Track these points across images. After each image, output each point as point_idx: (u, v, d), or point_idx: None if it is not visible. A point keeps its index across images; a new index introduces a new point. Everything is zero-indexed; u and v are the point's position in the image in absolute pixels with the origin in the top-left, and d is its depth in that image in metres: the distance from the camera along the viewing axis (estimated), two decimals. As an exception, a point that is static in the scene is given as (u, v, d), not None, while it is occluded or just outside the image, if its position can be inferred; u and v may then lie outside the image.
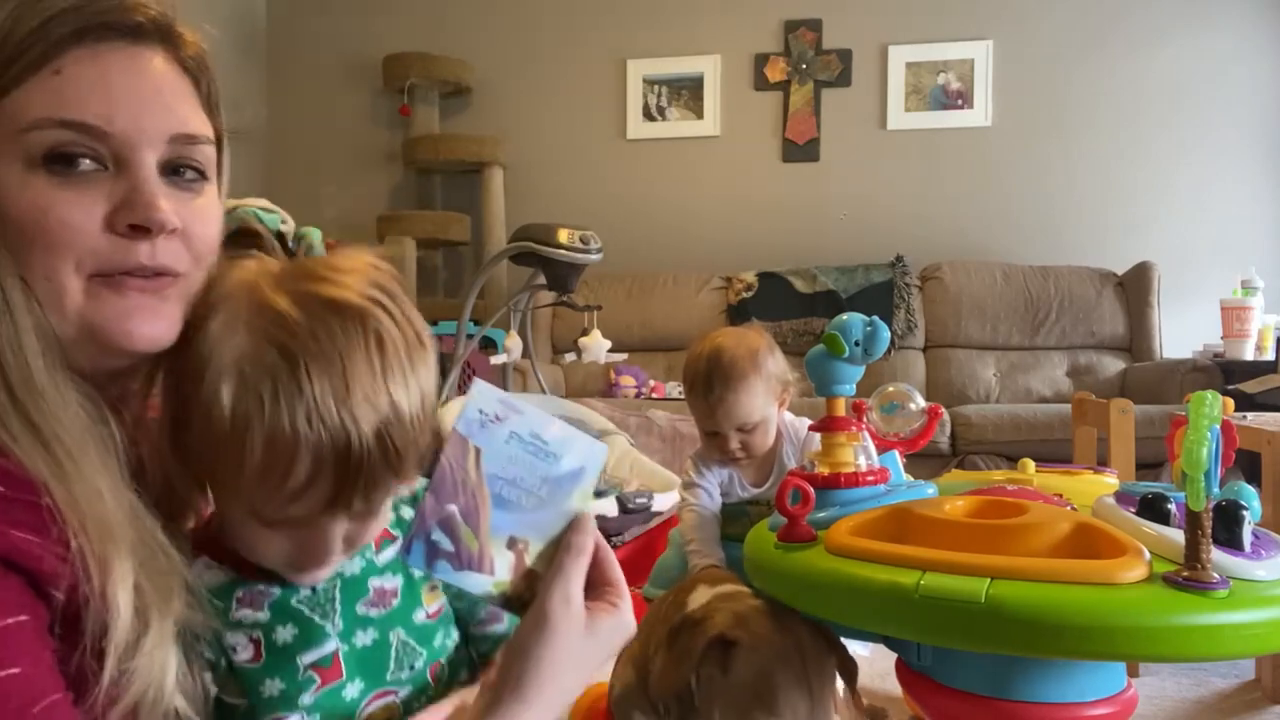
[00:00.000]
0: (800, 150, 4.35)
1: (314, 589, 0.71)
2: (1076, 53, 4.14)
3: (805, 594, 0.99)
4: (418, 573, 0.74)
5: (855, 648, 1.56)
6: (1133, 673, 1.84)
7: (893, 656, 1.07)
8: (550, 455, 0.69)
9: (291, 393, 0.59)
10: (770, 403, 1.61)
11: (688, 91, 4.44)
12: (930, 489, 1.19)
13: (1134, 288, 3.87)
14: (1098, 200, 4.13)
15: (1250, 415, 2.08)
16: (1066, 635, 0.79)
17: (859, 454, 1.18)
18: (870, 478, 1.16)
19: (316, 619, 0.70)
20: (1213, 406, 0.82)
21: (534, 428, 0.68)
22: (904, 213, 4.24)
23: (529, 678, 0.64)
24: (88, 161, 0.60)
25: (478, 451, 0.67)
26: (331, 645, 0.70)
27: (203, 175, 0.67)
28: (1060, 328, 3.88)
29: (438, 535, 0.67)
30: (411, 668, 0.73)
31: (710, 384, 1.57)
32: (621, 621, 0.68)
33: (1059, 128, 4.16)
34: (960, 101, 4.23)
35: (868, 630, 1.02)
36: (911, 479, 1.26)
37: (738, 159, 4.40)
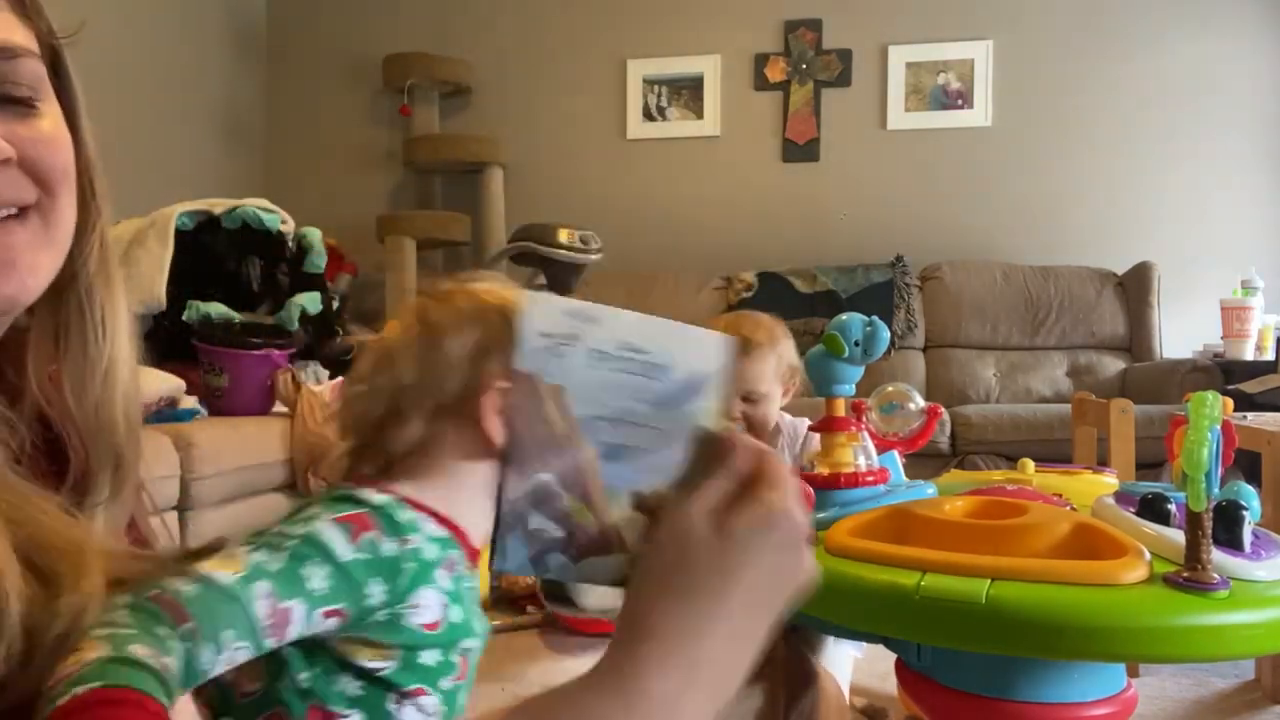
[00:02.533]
0: (800, 150, 4.35)
1: (472, 583, 0.66)
2: (1076, 53, 4.14)
3: (805, 595, 0.99)
4: (525, 578, 0.68)
5: (849, 649, 1.56)
6: (1133, 673, 1.84)
7: (892, 656, 1.07)
8: (655, 367, 0.52)
9: None
10: (776, 384, 1.63)
11: (688, 91, 4.44)
12: (930, 489, 1.19)
13: (1134, 288, 3.87)
14: (1098, 200, 4.13)
15: (1250, 415, 2.08)
16: (1066, 635, 0.79)
17: (859, 454, 1.18)
18: (870, 478, 1.16)
19: (476, 610, 0.65)
20: (1213, 406, 0.82)
21: (621, 335, 0.52)
22: (904, 213, 4.24)
23: (629, 615, 0.49)
24: None
25: (557, 390, 0.51)
26: (476, 643, 0.65)
27: (31, 95, 0.55)
28: (1060, 328, 3.88)
29: (536, 521, 0.51)
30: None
31: (738, 318, 1.65)
32: (768, 514, 0.50)
33: (1059, 128, 4.15)
34: (960, 101, 4.23)
35: (868, 631, 1.02)
36: (911, 479, 1.26)
37: (738, 159, 4.40)
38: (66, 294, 0.58)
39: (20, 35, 0.55)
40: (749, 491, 0.50)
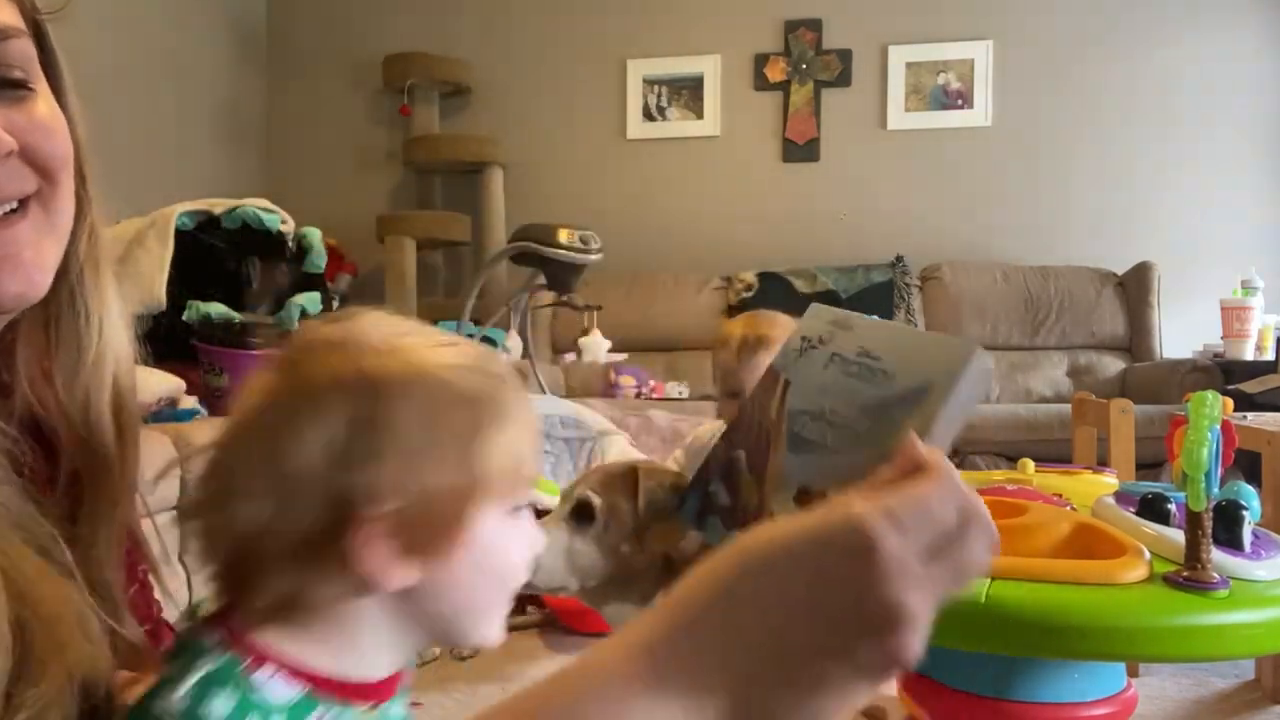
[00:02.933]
0: (800, 150, 4.35)
1: None
2: (1076, 53, 4.14)
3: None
4: (694, 531, 0.58)
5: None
6: (1133, 673, 1.84)
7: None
8: (880, 374, 0.50)
9: None
10: None
11: (688, 91, 4.44)
12: (930, 489, 1.19)
13: (1134, 288, 3.87)
14: (1098, 200, 4.13)
15: (1250, 415, 2.08)
16: (1066, 635, 0.79)
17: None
18: (870, 478, 1.15)
19: None
20: (1213, 406, 0.82)
21: (865, 342, 0.51)
22: (904, 213, 4.24)
23: (683, 594, 0.42)
24: None
25: (786, 385, 0.52)
26: None
27: (25, 79, 0.53)
28: (1060, 328, 3.88)
29: (716, 486, 0.53)
30: None
31: (745, 338, 1.63)
32: (926, 494, 0.42)
33: (1059, 128, 4.15)
34: (960, 101, 4.23)
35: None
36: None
37: (738, 159, 4.40)
38: (59, 284, 0.57)
39: (7, 14, 0.52)
40: (954, 532, 0.43)
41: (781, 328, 1.63)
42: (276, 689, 0.50)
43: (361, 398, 0.50)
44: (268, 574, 0.50)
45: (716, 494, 0.52)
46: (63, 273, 0.57)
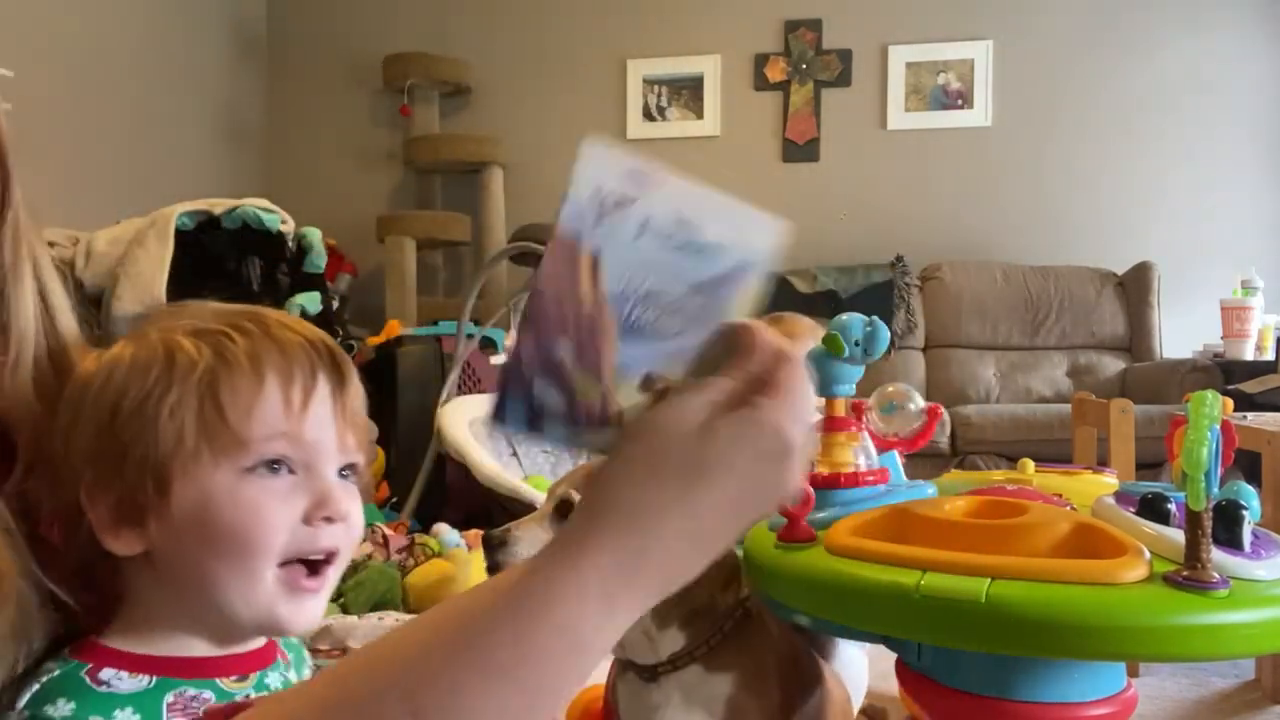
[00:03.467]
0: (800, 150, 4.35)
1: (248, 696, 0.59)
2: (1076, 53, 4.14)
3: (805, 594, 0.99)
4: (518, 436, 0.63)
5: (856, 650, 1.56)
6: (1133, 673, 1.84)
7: (893, 656, 1.07)
8: (704, 247, 0.48)
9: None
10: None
11: (688, 91, 4.44)
12: (930, 489, 1.19)
13: (1134, 288, 3.87)
14: (1098, 200, 4.13)
15: (1250, 415, 2.08)
16: (1066, 635, 0.79)
17: (859, 454, 1.18)
18: (870, 478, 1.15)
19: None
20: (1213, 406, 0.82)
21: (679, 209, 0.48)
22: (904, 213, 4.24)
23: (593, 491, 0.47)
24: None
25: (594, 259, 0.47)
26: None
27: None
28: (1060, 328, 3.88)
29: (541, 388, 0.48)
30: None
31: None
32: (757, 421, 0.46)
33: (1059, 128, 4.16)
34: (960, 101, 4.23)
35: (868, 630, 1.02)
36: (911, 479, 1.26)
37: (738, 159, 4.40)
38: None
39: None
40: (751, 394, 0.48)
41: (800, 328, 1.70)
42: (122, 684, 0.54)
43: (95, 378, 0.56)
44: (73, 559, 0.55)
45: (545, 397, 0.48)
46: None
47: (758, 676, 1.08)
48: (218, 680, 0.57)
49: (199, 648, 0.58)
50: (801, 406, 0.48)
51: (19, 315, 0.60)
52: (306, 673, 0.66)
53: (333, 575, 0.59)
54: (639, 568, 0.45)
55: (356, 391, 0.61)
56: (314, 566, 0.58)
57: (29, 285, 0.61)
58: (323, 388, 0.59)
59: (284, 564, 0.56)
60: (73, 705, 0.52)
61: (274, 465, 0.56)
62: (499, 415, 0.49)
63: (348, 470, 0.61)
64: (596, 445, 0.50)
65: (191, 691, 0.56)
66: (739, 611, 1.10)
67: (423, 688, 0.43)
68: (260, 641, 0.61)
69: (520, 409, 0.48)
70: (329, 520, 0.57)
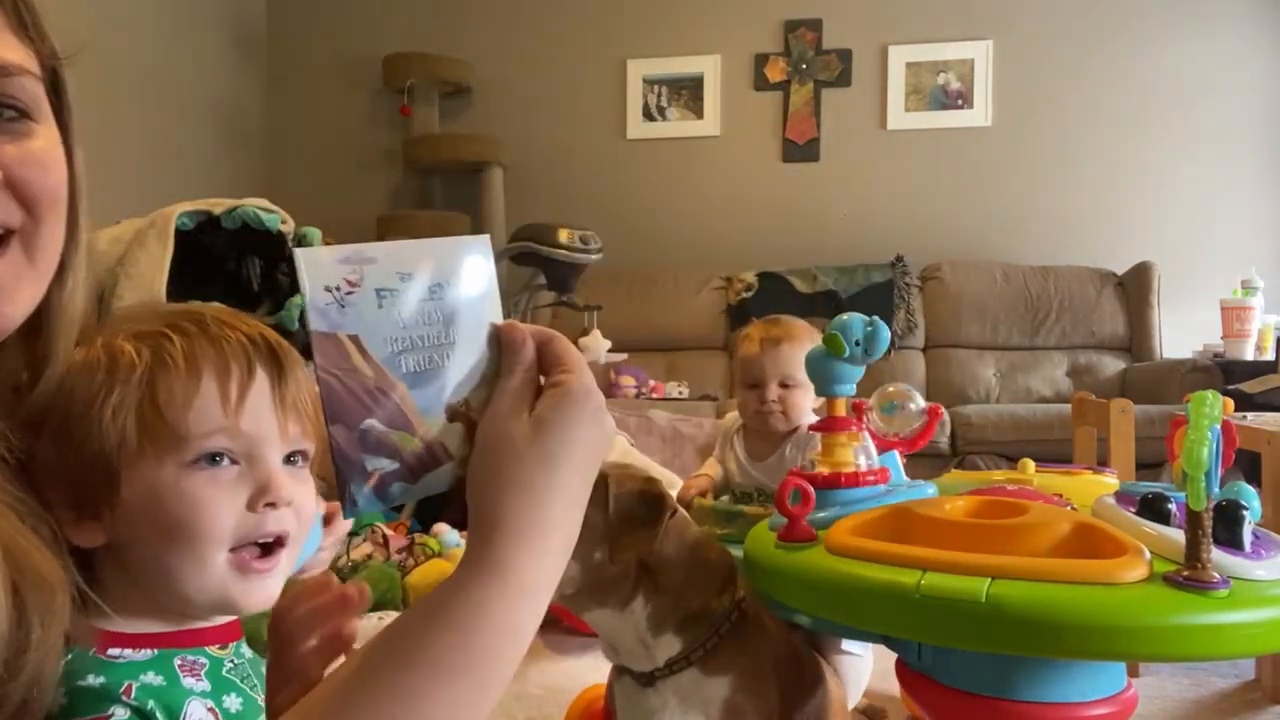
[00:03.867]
0: (800, 150, 4.35)
1: (234, 662, 0.63)
2: (1076, 53, 4.14)
3: (805, 594, 0.99)
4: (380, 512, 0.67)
5: (852, 648, 1.56)
6: (1133, 673, 1.84)
7: (893, 656, 1.07)
8: (433, 287, 0.56)
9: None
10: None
11: (688, 91, 4.44)
12: (930, 489, 1.19)
13: (1134, 288, 3.87)
14: (1098, 200, 4.13)
15: (1250, 415, 2.08)
16: (1066, 635, 0.79)
17: (859, 454, 1.18)
18: (870, 478, 1.16)
19: (249, 691, 0.62)
20: (1213, 406, 0.82)
21: (394, 267, 0.55)
22: (904, 213, 4.24)
23: (479, 513, 0.54)
24: None
25: (354, 340, 0.53)
26: None
27: (25, 114, 0.54)
28: (1060, 328, 3.88)
29: (373, 462, 0.54)
30: None
31: (768, 332, 1.69)
32: (569, 392, 0.56)
33: (1059, 128, 4.16)
34: (960, 101, 4.23)
35: (868, 630, 1.02)
36: (911, 479, 1.26)
37: (738, 159, 4.40)
38: (46, 327, 0.58)
39: (17, 54, 0.53)
40: (548, 376, 0.57)
41: (798, 328, 1.71)
42: (132, 656, 0.58)
43: (49, 383, 0.58)
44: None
45: (380, 468, 0.55)
46: (51, 314, 0.58)
47: (755, 678, 1.08)
48: (206, 647, 0.62)
49: (176, 625, 0.61)
50: (585, 366, 0.58)
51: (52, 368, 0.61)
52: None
53: (284, 557, 0.62)
54: (545, 552, 0.54)
55: (299, 381, 0.64)
56: (266, 548, 0.61)
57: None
58: (260, 381, 0.61)
59: (236, 549, 0.59)
60: (101, 679, 0.55)
61: (215, 458, 0.59)
62: (351, 503, 0.55)
63: (296, 457, 0.64)
64: (443, 484, 0.57)
65: (190, 656, 0.60)
66: (735, 614, 1.09)
67: (387, 700, 0.49)
68: (229, 616, 0.65)
69: (364, 489, 0.55)
70: (273, 505, 0.60)
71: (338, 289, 0.53)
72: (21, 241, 0.54)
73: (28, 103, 0.54)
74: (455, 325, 0.57)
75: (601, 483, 1.03)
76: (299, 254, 0.52)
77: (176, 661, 0.59)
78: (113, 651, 0.58)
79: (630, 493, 1.03)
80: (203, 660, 0.61)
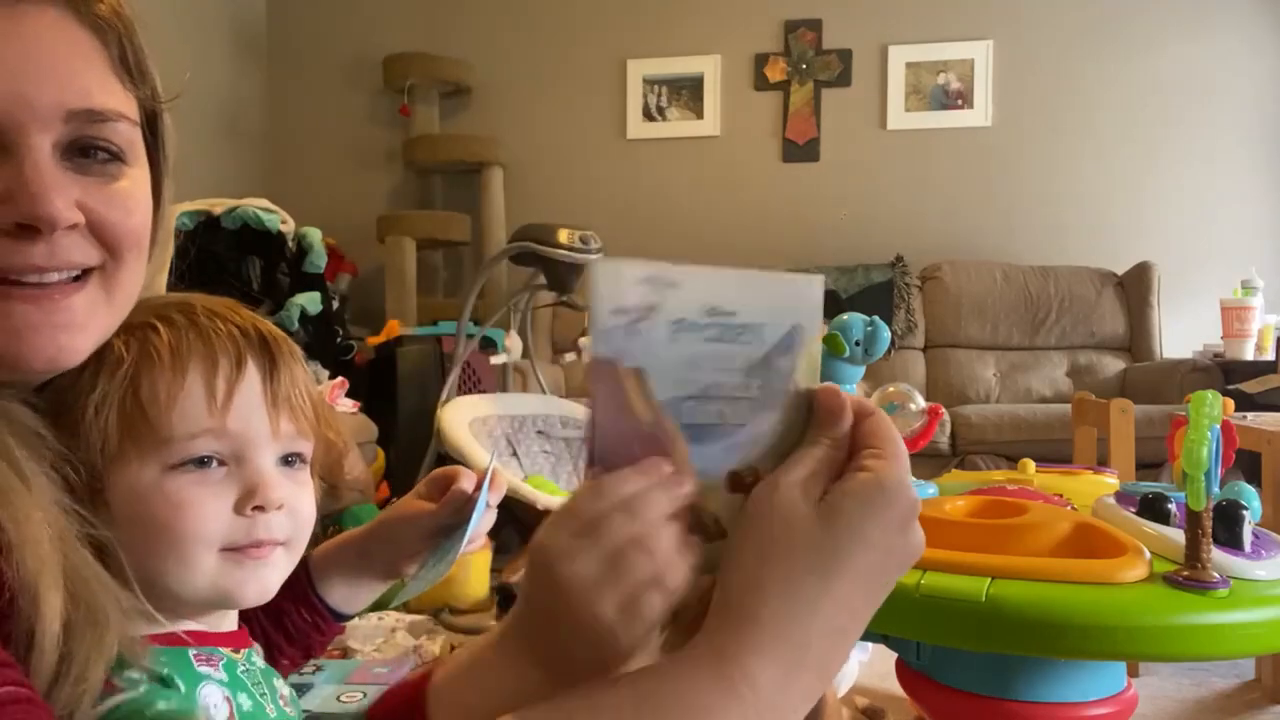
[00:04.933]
0: (800, 150, 4.35)
1: (247, 668, 0.61)
2: (1076, 53, 4.14)
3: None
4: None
5: (854, 653, 1.56)
6: (1133, 673, 1.84)
7: (893, 656, 1.07)
8: (744, 329, 0.46)
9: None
10: None
11: (688, 91, 4.44)
12: (930, 489, 1.19)
13: (1134, 288, 3.87)
14: (1098, 200, 4.13)
15: (1250, 415, 2.08)
16: (1066, 635, 0.79)
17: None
18: (870, 477, 1.15)
19: (258, 697, 0.60)
20: (1213, 406, 0.82)
21: (706, 298, 0.45)
22: (904, 213, 4.24)
23: (730, 592, 0.44)
24: None
25: (639, 376, 0.45)
26: None
27: (117, 157, 0.55)
28: (1060, 328, 3.88)
29: None
30: None
31: None
32: (879, 482, 0.44)
33: (1059, 128, 4.15)
34: (960, 101, 4.23)
35: (868, 629, 1.02)
36: (911, 479, 1.26)
37: (738, 159, 4.40)
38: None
39: (117, 99, 0.54)
40: (855, 459, 0.45)
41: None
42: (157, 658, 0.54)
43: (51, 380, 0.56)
44: None
45: None
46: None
47: None
48: (220, 648, 0.59)
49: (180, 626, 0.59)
50: (906, 459, 0.47)
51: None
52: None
53: (281, 554, 0.59)
54: (798, 670, 0.43)
55: (294, 376, 0.61)
56: (260, 546, 0.58)
57: None
58: (251, 375, 0.58)
59: (226, 549, 0.57)
60: (125, 672, 0.52)
61: (202, 460, 0.57)
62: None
63: (293, 458, 0.61)
64: (708, 565, 0.46)
65: (205, 652, 0.58)
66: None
67: None
68: (235, 624, 0.63)
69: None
70: (261, 509, 0.57)
71: (632, 311, 0.44)
72: (101, 279, 0.54)
73: (121, 146, 0.54)
74: (761, 378, 0.47)
75: None
76: (598, 265, 0.44)
77: (192, 653, 0.57)
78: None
79: None
80: (219, 655, 0.58)
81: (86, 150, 0.53)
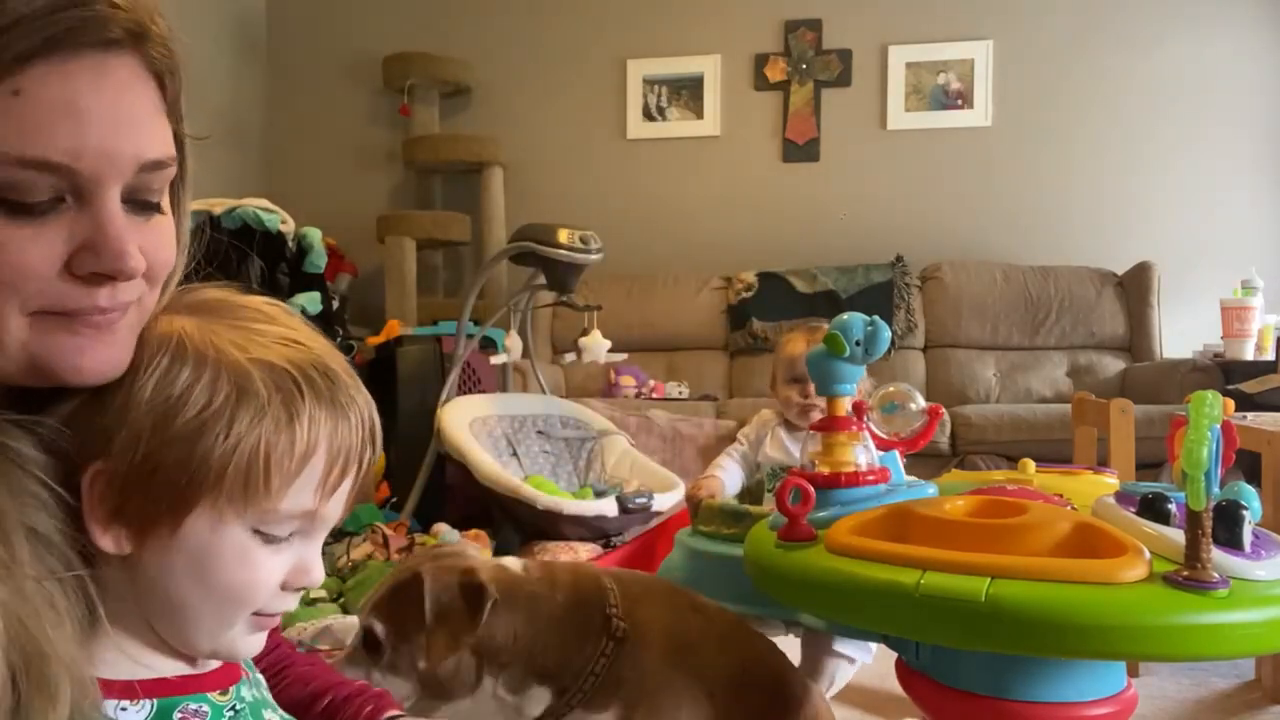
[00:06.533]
0: (800, 150, 4.35)
1: (236, 709, 0.60)
2: (1076, 53, 4.14)
3: (805, 593, 0.99)
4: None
5: (856, 652, 1.56)
6: (1133, 673, 1.84)
7: (893, 656, 1.07)
8: None
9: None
10: None
11: (688, 91, 4.44)
12: (930, 489, 1.19)
13: (1134, 288, 3.87)
14: (1098, 200, 4.13)
15: (1250, 415, 2.08)
16: (1066, 635, 0.79)
17: (860, 453, 1.18)
18: (870, 477, 1.16)
19: None
20: (1213, 406, 0.82)
21: None
22: (904, 213, 4.24)
23: None
24: (47, 196, 0.51)
25: None
26: None
27: (162, 199, 0.59)
28: (1060, 328, 3.88)
29: None
30: None
31: (813, 335, 1.76)
32: None
33: (1059, 128, 4.15)
34: (960, 101, 4.23)
35: (868, 629, 1.02)
36: (912, 479, 1.26)
37: (738, 159, 4.40)
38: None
39: (168, 143, 0.57)
40: None
41: None
42: (128, 715, 0.54)
43: (156, 354, 0.56)
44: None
45: None
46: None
47: (649, 702, 1.04)
48: (207, 694, 0.59)
49: (163, 666, 0.59)
50: None
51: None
52: (263, 686, 0.67)
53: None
54: None
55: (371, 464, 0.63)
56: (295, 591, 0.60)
57: None
58: (354, 471, 0.60)
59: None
60: None
61: (274, 538, 0.58)
62: None
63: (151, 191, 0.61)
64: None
65: (192, 705, 0.58)
66: (608, 648, 1.04)
67: None
68: (219, 662, 0.63)
69: None
70: (298, 590, 0.60)
71: None
72: (138, 305, 0.58)
73: (164, 188, 0.58)
74: None
75: (416, 584, 1.00)
76: None
77: (177, 715, 0.56)
78: (109, 703, 0.54)
79: (447, 587, 1.00)
80: (205, 708, 0.58)
81: (138, 197, 0.55)
